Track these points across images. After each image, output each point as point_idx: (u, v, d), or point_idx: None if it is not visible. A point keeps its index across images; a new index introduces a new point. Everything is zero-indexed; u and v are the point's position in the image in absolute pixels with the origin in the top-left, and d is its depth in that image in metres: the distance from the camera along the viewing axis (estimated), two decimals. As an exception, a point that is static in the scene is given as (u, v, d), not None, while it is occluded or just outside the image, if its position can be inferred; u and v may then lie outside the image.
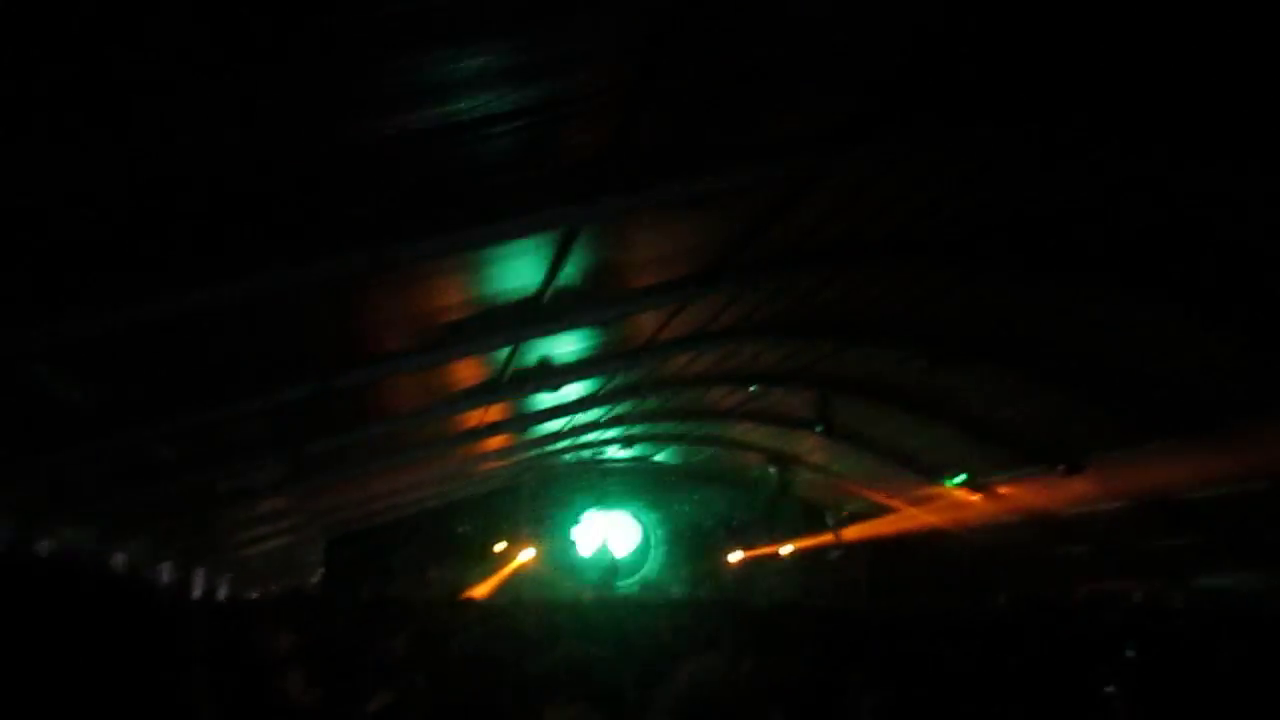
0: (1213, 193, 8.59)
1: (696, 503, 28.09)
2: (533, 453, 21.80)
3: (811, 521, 25.33)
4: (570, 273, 9.03)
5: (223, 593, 17.29)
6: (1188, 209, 8.93)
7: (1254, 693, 5.63)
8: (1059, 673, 6.63)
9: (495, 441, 17.89)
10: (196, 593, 14.90)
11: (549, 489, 27.00)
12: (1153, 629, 9.00)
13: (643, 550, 28.51)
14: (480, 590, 22.99)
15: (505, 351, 11.44)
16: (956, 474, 17.94)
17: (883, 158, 8.35)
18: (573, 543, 27.75)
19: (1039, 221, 9.82)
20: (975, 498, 18.37)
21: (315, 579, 23.42)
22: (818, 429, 16.57)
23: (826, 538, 24.87)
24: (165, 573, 13.69)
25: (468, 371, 12.21)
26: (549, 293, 9.41)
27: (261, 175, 5.66)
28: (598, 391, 15.74)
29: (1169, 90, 7.15)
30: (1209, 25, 6.36)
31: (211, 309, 6.52)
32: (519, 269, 8.87)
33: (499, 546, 26.23)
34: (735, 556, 27.34)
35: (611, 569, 27.55)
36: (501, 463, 21.49)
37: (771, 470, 22.37)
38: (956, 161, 8.77)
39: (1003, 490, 17.75)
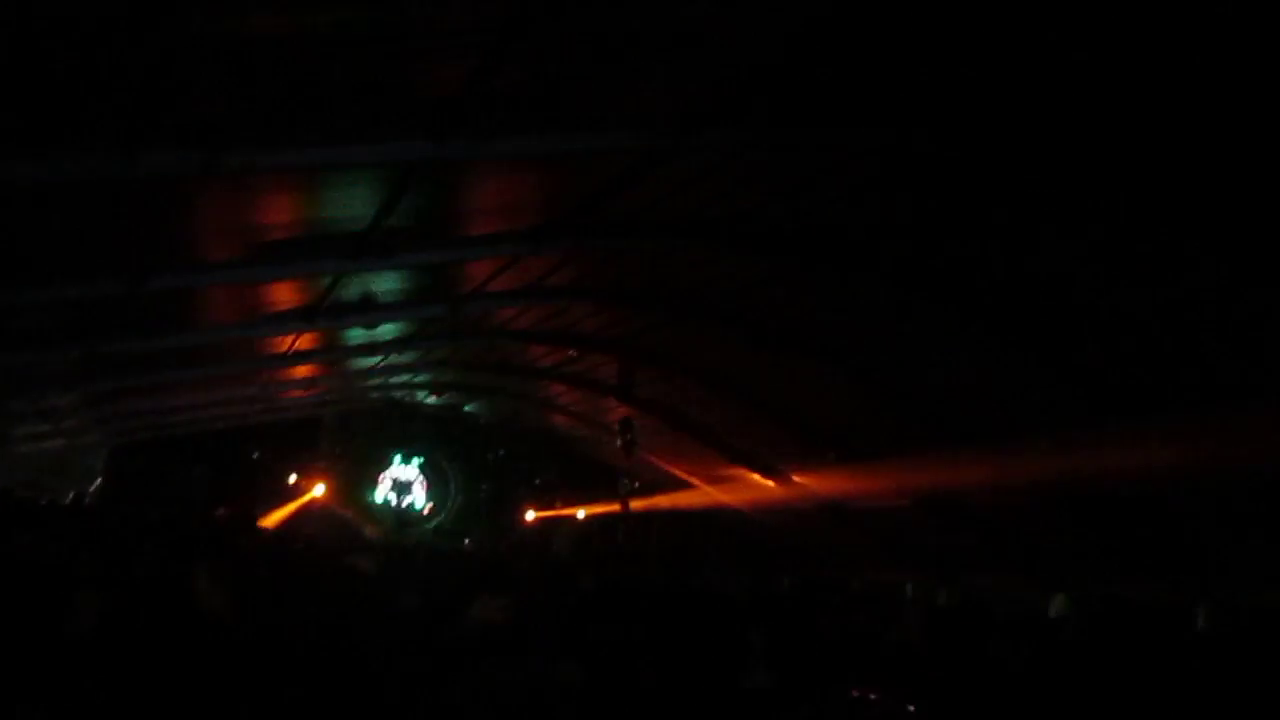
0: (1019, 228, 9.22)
1: (501, 456, 28.14)
2: (340, 386, 21.37)
3: (610, 488, 25.78)
4: (406, 209, 8.89)
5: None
6: (991, 239, 9.55)
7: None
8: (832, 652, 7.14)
9: (303, 370, 17.47)
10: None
11: (352, 426, 26.51)
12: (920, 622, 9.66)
13: (441, 498, 28.39)
14: (270, 520, 22.42)
15: (328, 280, 11.19)
16: (768, 463, 18.69)
17: (728, 146, 8.56)
18: (371, 483, 27.36)
19: (868, 230, 10.29)
20: (770, 482, 19.13)
21: (93, 488, 22.29)
22: (616, 399, 16.88)
23: (616, 505, 25.41)
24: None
25: (286, 294, 11.88)
26: (381, 226, 9.24)
27: (96, 55, 5.37)
28: (416, 333, 15.57)
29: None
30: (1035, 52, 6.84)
31: (26, 186, 6.16)
32: (355, 197, 8.68)
33: (292, 478, 25.61)
34: (532, 514, 27.57)
35: (407, 514, 27.33)
36: (306, 392, 20.98)
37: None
38: (797, 161, 9.08)
39: (798, 478, 18.55)
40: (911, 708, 5.21)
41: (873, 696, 5.03)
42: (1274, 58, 6.02)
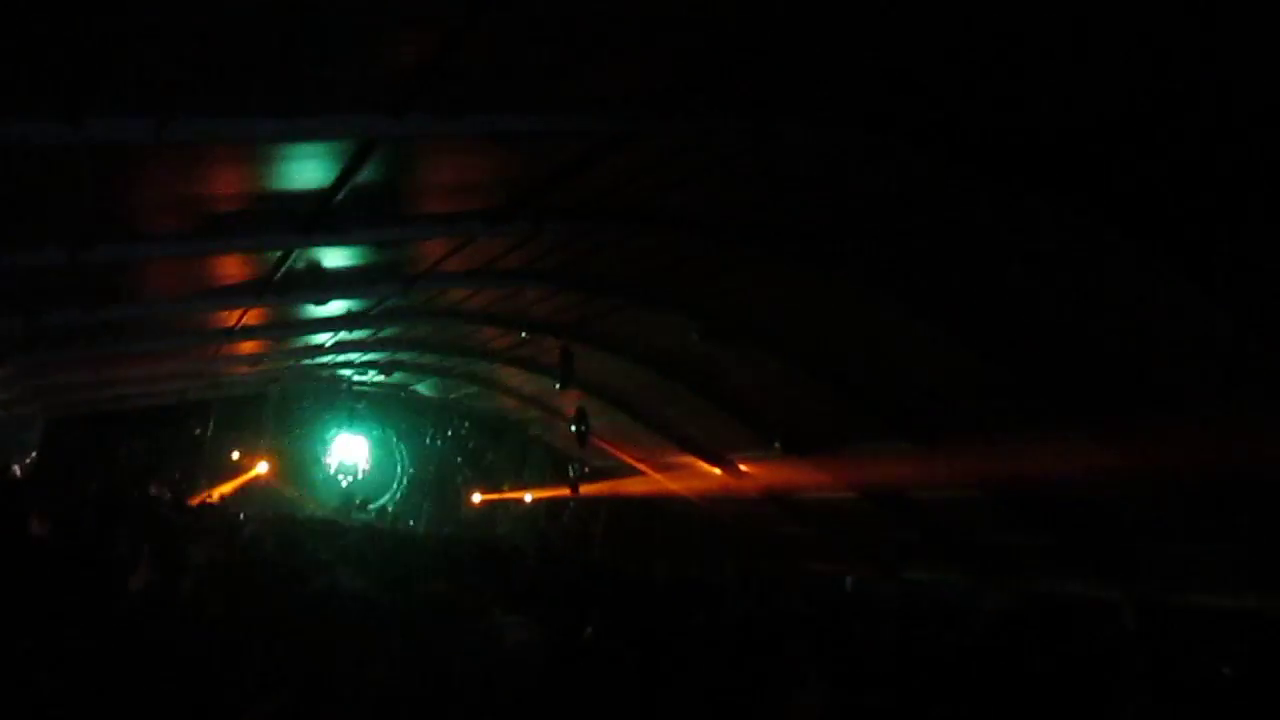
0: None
1: (449, 439, 27.95)
2: (288, 363, 21.06)
3: (559, 473, 25.74)
4: (361, 185, 8.73)
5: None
6: (951, 227, 9.61)
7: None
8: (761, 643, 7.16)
9: (249, 345, 17.17)
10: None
11: (299, 403, 26.18)
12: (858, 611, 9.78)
13: (388, 478, 28.15)
14: (212, 496, 22.10)
15: (277, 254, 10.98)
16: (717, 452, 18.75)
17: (686, 133, 8.52)
18: (317, 462, 27.05)
19: (831, 223, 10.30)
20: (718, 471, 19.21)
21: (27, 461, 21.77)
22: (556, 386, 16.71)
23: (566, 490, 25.41)
24: None
25: (234, 268, 11.64)
26: (335, 201, 9.07)
27: (40, 17, 5.19)
28: (367, 311, 15.35)
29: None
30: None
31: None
32: (309, 170, 8.50)
33: (235, 454, 25.25)
34: (478, 497, 27.43)
35: (352, 494, 27.05)
36: (252, 368, 20.65)
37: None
38: (759, 151, 9.06)
39: (745, 468, 18.64)
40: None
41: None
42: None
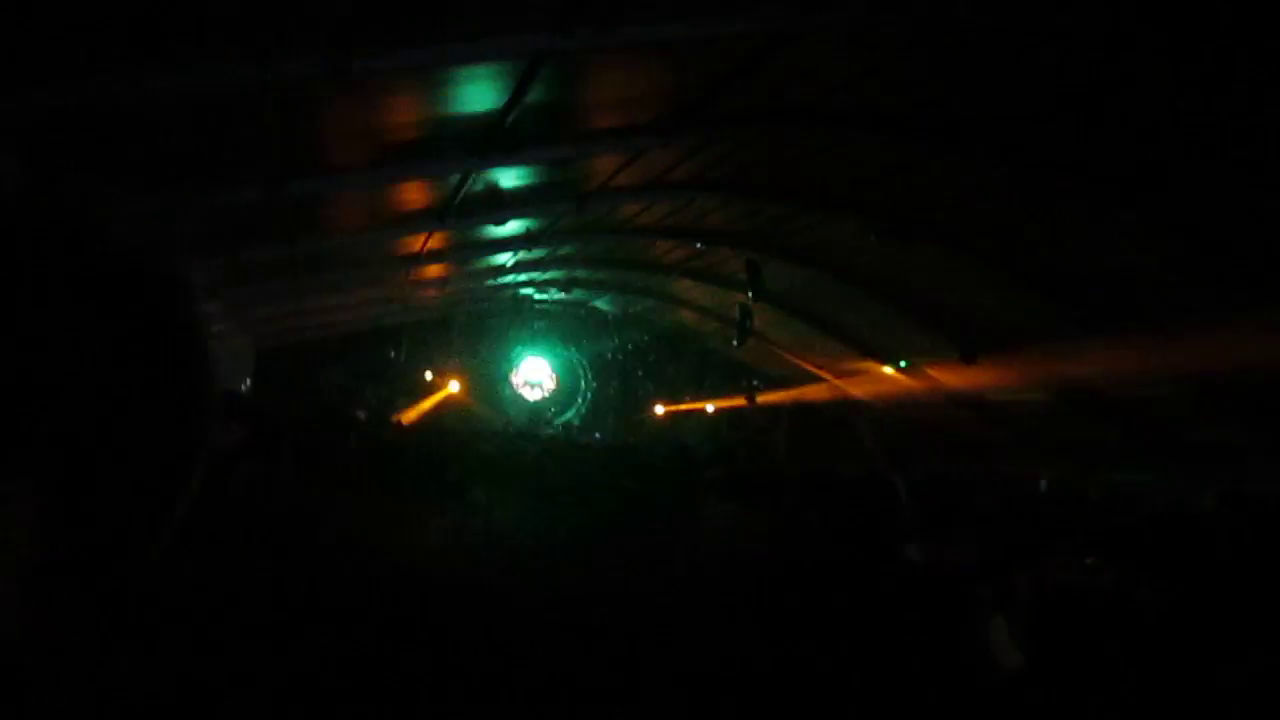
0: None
1: (630, 353, 28.35)
2: (471, 285, 21.73)
3: (740, 382, 25.81)
4: (530, 106, 8.85)
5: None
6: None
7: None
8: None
9: (434, 270, 17.78)
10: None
11: (483, 324, 26.97)
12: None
13: (571, 393, 28.86)
14: (408, 416, 23.17)
15: (455, 178, 11.27)
16: (900, 357, 18.39)
17: (849, 25, 8.20)
18: (503, 380, 27.95)
19: (997, 116, 9.80)
20: (902, 375, 18.85)
21: (243, 389, 23.33)
22: (749, 296, 16.70)
23: (745, 400, 25.47)
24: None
25: (415, 194, 12.04)
26: (507, 123, 9.23)
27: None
28: (544, 230, 15.63)
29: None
30: None
31: (164, 100, 6.31)
32: (479, 94, 8.67)
33: (428, 375, 26.32)
34: (661, 409, 27.83)
35: (539, 410, 27.89)
36: (438, 292, 21.40)
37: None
38: (927, 39, 8.65)
39: (931, 371, 18.22)
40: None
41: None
42: None
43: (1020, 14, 7.84)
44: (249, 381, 23.25)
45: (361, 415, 19.41)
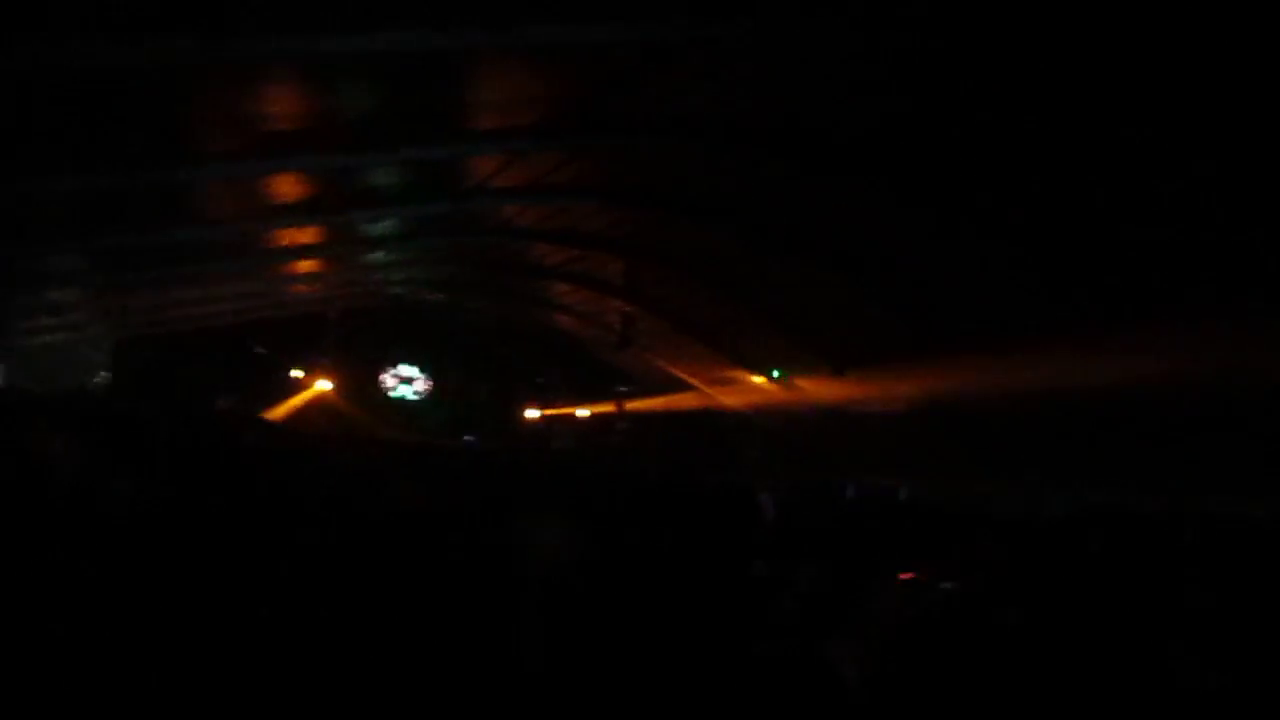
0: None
1: (505, 355, 28.24)
2: (344, 282, 21.35)
3: (611, 388, 26.01)
4: (411, 103, 8.80)
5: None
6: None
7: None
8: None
9: (306, 265, 17.45)
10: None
11: (357, 322, 26.51)
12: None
13: (443, 394, 28.59)
14: (276, 413, 22.62)
15: (331, 173, 11.10)
16: (774, 368, 18.81)
17: (736, 40, 8.38)
18: (374, 379, 27.52)
19: (867, 134, 10.11)
20: (773, 385, 19.29)
21: (99, 380, 22.45)
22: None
23: (616, 405, 25.74)
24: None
25: (289, 187, 11.79)
26: (386, 120, 9.16)
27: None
28: (419, 229, 15.49)
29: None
30: None
31: (23, 78, 6.09)
32: (360, 88, 8.59)
33: (296, 373, 25.72)
34: (535, 412, 27.83)
35: (409, 409, 27.54)
36: (310, 288, 20.98)
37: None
38: (811, 58, 8.87)
39: (801, 382, 18.68)
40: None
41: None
42: None
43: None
44: (104, 374, 22.37)
45: (228, 410, 18.88)
